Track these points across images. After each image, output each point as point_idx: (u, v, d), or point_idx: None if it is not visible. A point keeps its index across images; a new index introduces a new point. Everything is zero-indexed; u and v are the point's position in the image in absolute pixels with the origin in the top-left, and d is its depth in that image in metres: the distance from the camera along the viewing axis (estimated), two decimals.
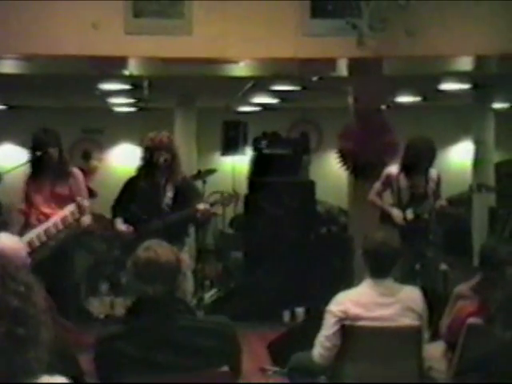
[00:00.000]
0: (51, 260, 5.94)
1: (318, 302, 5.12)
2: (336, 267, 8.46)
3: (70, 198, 6.07)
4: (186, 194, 5.99)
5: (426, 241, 6.72)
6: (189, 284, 6.03)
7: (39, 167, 6.16)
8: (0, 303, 1.73)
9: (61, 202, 6.10)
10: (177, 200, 5.95)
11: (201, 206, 5.83)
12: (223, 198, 6.36)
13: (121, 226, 6.00)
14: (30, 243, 5.67)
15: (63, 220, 5.94)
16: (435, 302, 4.68)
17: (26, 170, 6.30)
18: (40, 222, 6.03)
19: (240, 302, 8.31)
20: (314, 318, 5.68)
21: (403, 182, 6.67)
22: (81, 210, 5.94)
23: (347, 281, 7.33)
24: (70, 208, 5.98)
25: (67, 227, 5.94)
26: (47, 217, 6.04)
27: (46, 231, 5.87)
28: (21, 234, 5.99)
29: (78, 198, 6.00)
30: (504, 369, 2.27)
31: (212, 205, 6.01)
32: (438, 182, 6.75)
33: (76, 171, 6.28)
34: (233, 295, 8.74)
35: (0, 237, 3.76)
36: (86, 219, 5.97)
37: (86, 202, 6.01)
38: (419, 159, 6.52)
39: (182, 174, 6.16)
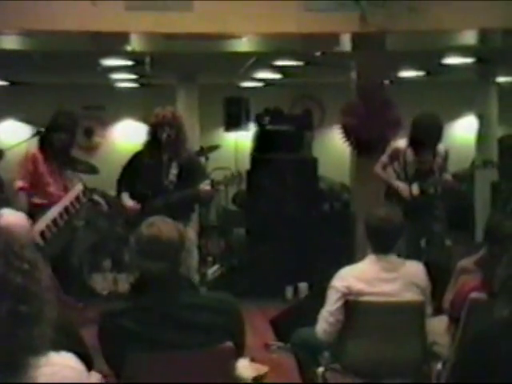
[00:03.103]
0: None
1: (321, 277, 5.12)
2: (338, 243, 8.45)
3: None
4: (191, 171, 5.97)
5: (432, 216, 6.71)
6: (193, 260, 6.04)
7: (50, 148, 6.21)
8: (3, 281, 1.72)
9: (67, 183, 6.25)
10: (181, 177, 5.94)
11: (203, 187, 5.82)
12: (226, 179, 6.36)
13: (128, 201, 5.99)
14: (54, 221, 5.79)
15: (77, 199, 6.03)
16: (438, 277, 4.68)
17: (29, 147, 6.33)
18: (47, 201, 6.10)
19: (243, 278, 8.33)
20: (317, 293, 5.69)
21: (410, 156, 6.64)
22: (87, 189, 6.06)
23: (349, 257, 7.34)
24: (79, 187, 6.08)
25: (82, 205, 6.05)
26: (54, 197, 6.09)
27: (67, 210, 5.97)
28: (30, 212, 6.05)
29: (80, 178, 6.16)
30: (502, 345, 2.27)
31: (214, 185, 5.99)
32: (446, 158, 6.71)
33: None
34: (235, 271, 8.75)
35: (4, 213, 3.68)
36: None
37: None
38: (427, 137, 6.47)
39: (188, 152, 6.15)
